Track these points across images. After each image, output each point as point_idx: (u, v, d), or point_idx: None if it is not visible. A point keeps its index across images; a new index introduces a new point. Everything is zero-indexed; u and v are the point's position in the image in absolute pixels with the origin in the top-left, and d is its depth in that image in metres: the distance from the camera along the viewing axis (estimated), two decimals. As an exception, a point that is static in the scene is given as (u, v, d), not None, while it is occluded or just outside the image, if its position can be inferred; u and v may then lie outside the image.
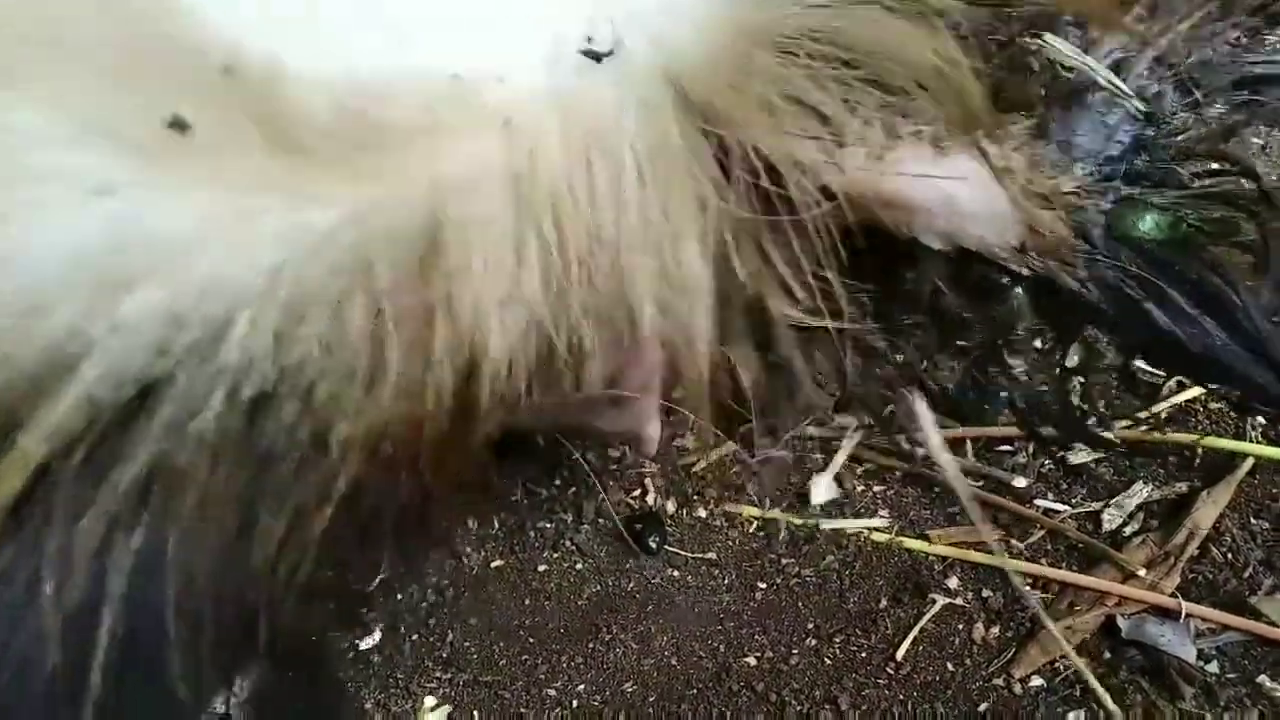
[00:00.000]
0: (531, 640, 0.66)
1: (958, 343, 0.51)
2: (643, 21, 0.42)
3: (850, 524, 0.71)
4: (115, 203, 0.31)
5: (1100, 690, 0.58)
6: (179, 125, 0.32)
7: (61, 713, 0.35)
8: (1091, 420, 0.60)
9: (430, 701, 0.62)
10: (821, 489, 0.75)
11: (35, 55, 0.31)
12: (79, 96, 0.31)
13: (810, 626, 0.65)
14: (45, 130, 0.31)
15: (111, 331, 0.32)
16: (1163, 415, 0.74)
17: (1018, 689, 0.60)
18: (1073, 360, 0.50)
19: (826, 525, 0.71)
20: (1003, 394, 0.52)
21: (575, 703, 0.62)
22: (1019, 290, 0.47)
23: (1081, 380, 0.52)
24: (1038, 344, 0.51)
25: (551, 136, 0.38)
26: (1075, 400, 0.53)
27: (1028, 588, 0.64)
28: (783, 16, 0.41)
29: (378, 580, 0.66)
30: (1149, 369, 0.75)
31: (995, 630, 0.63)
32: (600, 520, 0.75)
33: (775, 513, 0.74)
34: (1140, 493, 0.71)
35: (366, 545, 0.40)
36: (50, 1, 0.32)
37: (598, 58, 0.40)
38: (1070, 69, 0.45)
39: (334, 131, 0.34)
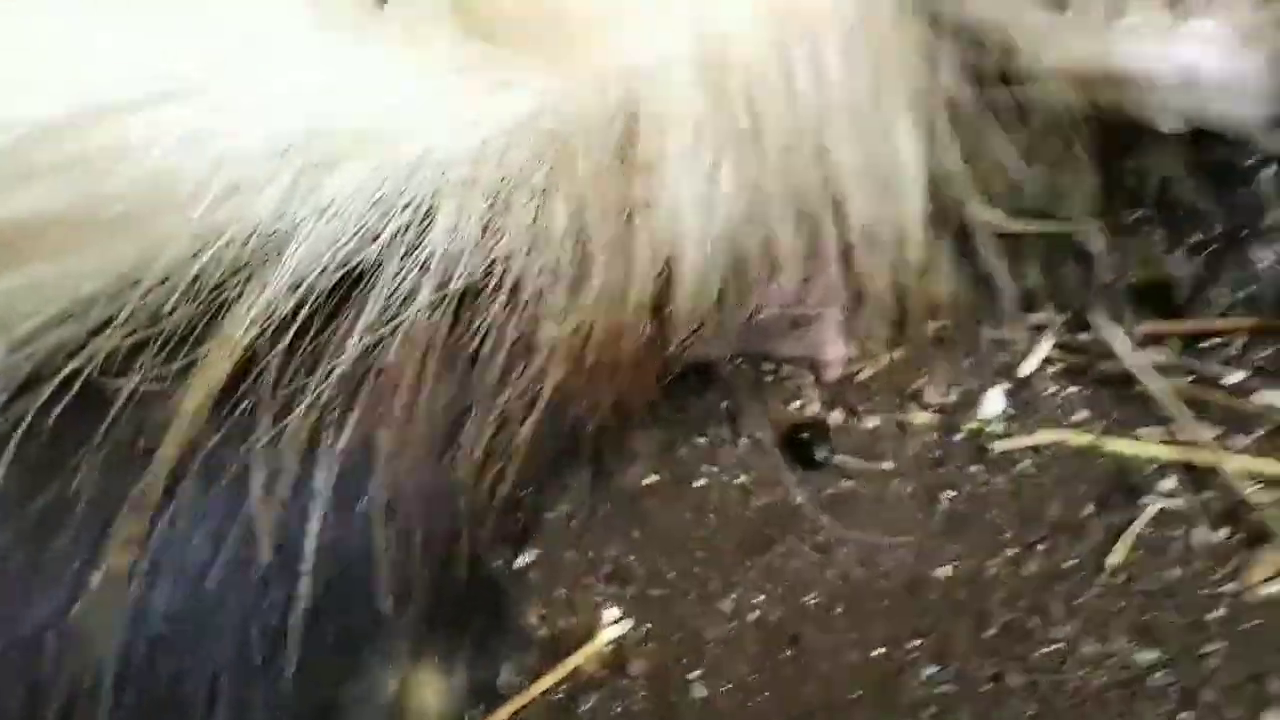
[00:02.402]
0: (700, 553, 0.67)
1: (1192, 238, 0.48)
2: None
3: (1046, 435, 0.69)
4: (313, 78, 0.31)
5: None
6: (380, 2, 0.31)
7: (272, 620, 0.37)
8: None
9: (610, 615, 0.63)
10: (997, 399, 0.73)
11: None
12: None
13: (1008, 536, 0.64)
14: (246, 3, 0.31)
15: (317, 213, 0.32)
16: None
17: (1252, 596, 0.57)
18: None
19: (1012, 441, 0.69)
20: (1243, 292, 0.49)
21: (754, 616, 0.62)
22: (1269, 170, 0.44)
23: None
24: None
25: (743, 15, 0.37)
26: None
27: (1253, 487, 0.61)
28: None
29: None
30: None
31: (1221, 534, 0.61)
32: (758, 434, 0.75)
33: (955, 419, 0.72)
34: (1376, 382, 0.67)
35: (566, 459, 0.41)
36: None
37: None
38: None
39: (526, 17, 0.34)
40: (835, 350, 0.63)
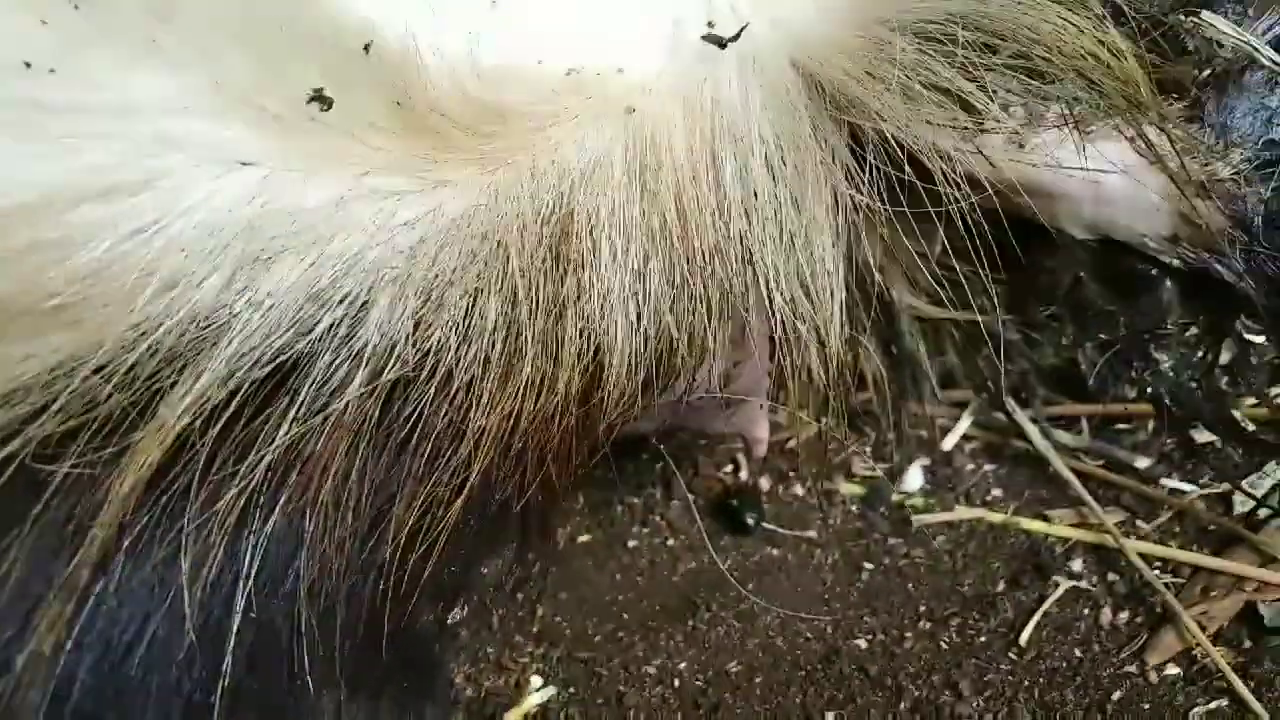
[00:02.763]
0: (626, 616, 0.68)
1: (1097, 336, 0.51)
2: (767, 4, 0.42)
3: (963, 511, 0.71)
4: (256, 175, 0.32)
5: (1238, 682, 0.57)
6: (321, 100, 0.32)
7: (195, 697, 0.37)
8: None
9: (537, 681, 0.64)
10: (917, 473, 0.75)
11: (180, 26, 0.32)
12: (221, 67, 0.32)
13: (923, 609, 0.65)
14: (188, 99, 0.31)
15: (253, 306, 0.33)
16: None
17: (1152, 677, 0.59)
18: (1225, 357, 0.49)
19: (932, 515, 0.70)
20: (1148, 389, 0.51)
21: (677, 682, 0.63)
22: (1169, 281, 0.46)
23: (1230, 377, 0.51)
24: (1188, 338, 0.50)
25: (676, 125, 0.39)
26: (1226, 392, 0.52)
27: (1156, 571, 0.63)
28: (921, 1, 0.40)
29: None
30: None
31: (1124, 615, 0.63)
32: (692, 496, 0.76)
33: (877, 491, 0.74)
34: (1274, 473, 0.70)
35: (492, 539, 0.41)
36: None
37: (721, 43, 0.40)
38: (1227, 47, 0.44)
39: (463, 117, 0.35)
40: (762, 430, 0.65)
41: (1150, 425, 0.76)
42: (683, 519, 0.74)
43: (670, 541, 0.73)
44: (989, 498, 0.72)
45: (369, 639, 0.40)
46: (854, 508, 0.73)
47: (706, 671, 0.63)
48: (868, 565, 0.69)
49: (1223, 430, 0.54)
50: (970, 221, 0.45)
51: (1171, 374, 0.50)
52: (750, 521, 0.72)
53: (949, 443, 0.76)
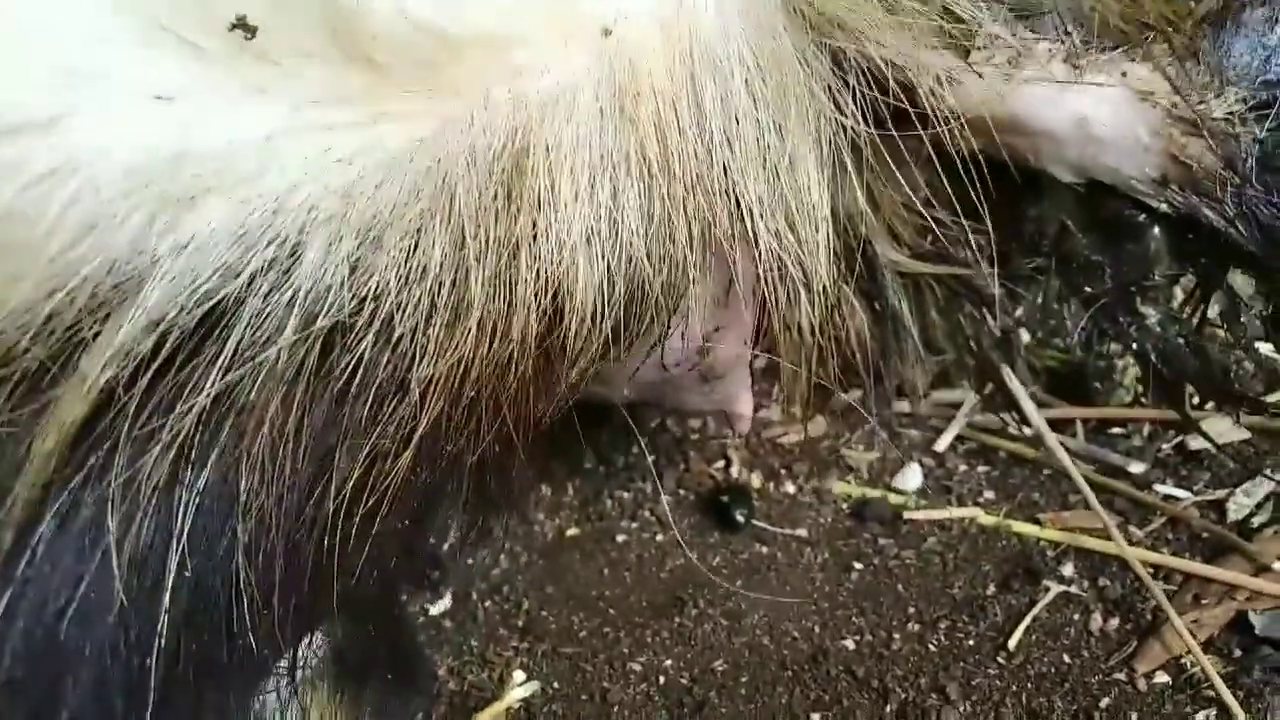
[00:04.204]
0: (612, 611, 0.63)
1: (1085, 289, 0.46)
2: None
3: (956, 513, 0.66)
4: (178, 109, 0.29)
5: (1225, 690, 0.52)
6: (244, 28, 0.29)
7: (130, 660, 0.33)
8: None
9: (519, 676, 0.60)
10: (915, 473, 0.71)
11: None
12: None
13: (912, 611, 0.60)
14: (103, 30, 0.28)
15: (176, 249, 0.29)
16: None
17: (1141, 685, 0.54)
18: (1214, 310, 0.44)
19: (924, 513, 0.66)
20: (1133, 344, 0.46)
21: (662, 679, 0.59)
22: (1157, 229, 0.42)
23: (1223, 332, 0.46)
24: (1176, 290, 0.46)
25: (654, 48, 0.35)
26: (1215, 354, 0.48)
27: (1151, 578, 0.59)
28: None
29: (448, 543, 0.63)
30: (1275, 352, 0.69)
31: (1114, 622, 0.58)
32: (681, 491, 0.72)
33: (870, 490, 0.69)
34: (1269, 481, 0.65)
35: (444, 495, 0.38)
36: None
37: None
38: None
39: (407, 43, 0.31)
40: (745, 405, 0.61)
41: (1145, 429, 0.72)
42: (672, 514, 0.70)
43: (659, 537, 0.69)
44: (981, 499, 0.68)
45: (324, 601, 0.36)
46: (845, 506, 0.69)
47: (692, 669, 0.59)
48: (857, 565, 0.64)
49: (1210, 390, 0.49)
50: (954, 159, 0.41)
51: (1159, 329, 0.46)
52: (740, 518, 0.68)
53: (942, 444, 0.71)
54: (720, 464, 0.73)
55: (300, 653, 0.41)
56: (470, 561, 0.66)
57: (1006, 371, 0.50)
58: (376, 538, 0.34)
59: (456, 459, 0.35)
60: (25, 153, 0.27)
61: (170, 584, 0.32)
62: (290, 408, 0.31)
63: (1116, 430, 0.72)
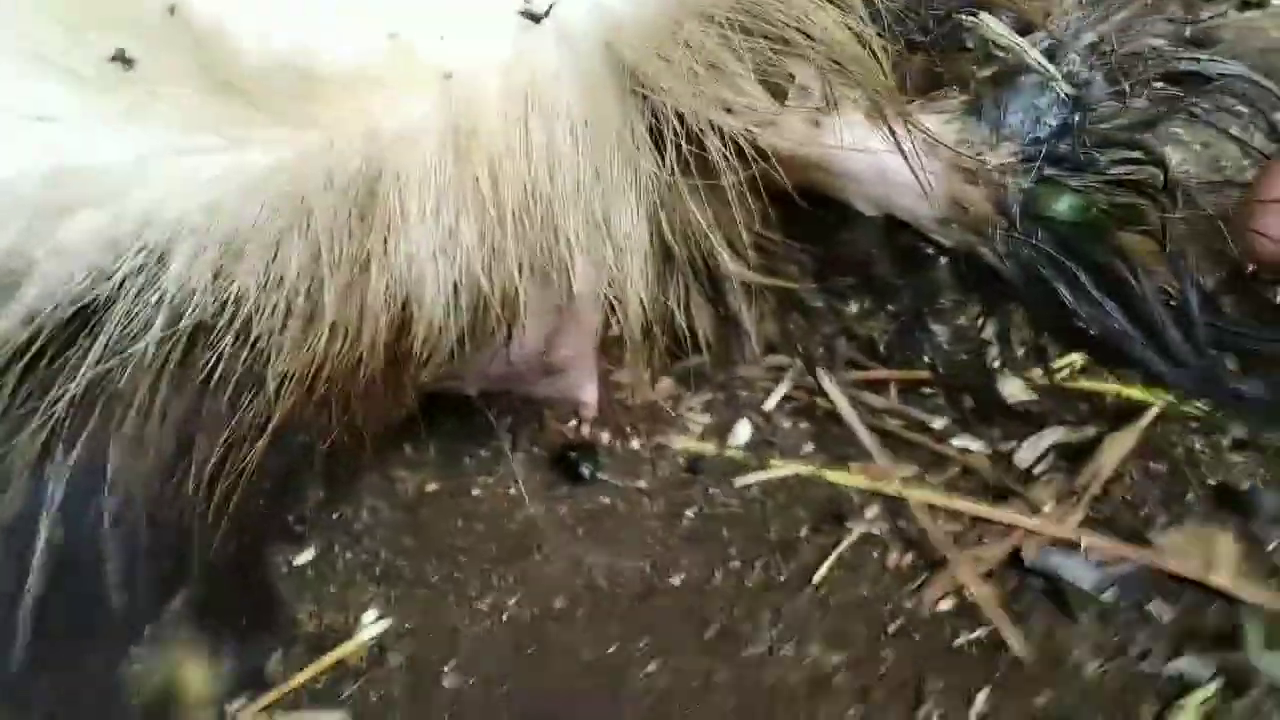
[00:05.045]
0: (464, 559, 0.69)
1: (887, 306, 0.54)
2: None
3: (778, 465, 0.75)
4: (55, 130, 0.33)
5: (998, 613, 0.63)
6: (122, 60, 0.33)
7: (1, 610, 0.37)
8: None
9: (371, 615, 0.65)
10: (745, 430, 0.78)
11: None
12: (21, 27, 0.32)
13: (734, 551, 0.69)
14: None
15: (51, 254, 0.33)
16: (1078, 365, 0.78)
17: (926, 612, 0.64)
18: (988, 332, 0.53)
19: (750, 477, 0.74)
20: (925, 357, 0.55)
21: (506, 615, 0.65)
22: (943, 260, 0.49)
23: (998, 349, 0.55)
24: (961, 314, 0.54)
25: (490, 92, 0.40)
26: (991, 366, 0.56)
27: (939, 520, 0.68)
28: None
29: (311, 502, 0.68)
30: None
31: (909, 558, 0.67)
32: (535, 449, 0.78)
33: (705, 446, 0.77)
34: (1051, 435, 0.76)
35: (296, 477, 0.43)
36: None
37: (536, 18, 0.41)
38: (1004, 49, 0.47)
39: (271, 78, 0.36)
40: (588, 394, 0.67)
41: (948, 390, 0.81)
42: (524, 468, 0.76)
43: (512, 490, 0.74)
44: (802, 452, 0.76)
45: (185, 566, 0.41)
46: (682, 461, 0.76)
47: (535, 606, 0.66)
48: (689, 513, 0.72)
49: (983, 399, 0.58)
50: (768, 195, 0.47)
51: (946, 346, 0.54)
52: (586, 473, 0.75)
53: (770, 403, 0.79)
54: (573, 424, 0.79)
55: (165, 612, 0.46)
56: (335, 516, 0.71)
57: (822, 374, 0.57)
58: (234, 513, 0.39)
59: (307, 448, 0.40)
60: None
61: (39, 547, 0.37)
62: (155, 396, 0.35)
63: (926, 390, 0.81)
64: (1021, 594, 0.65)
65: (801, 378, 0.80)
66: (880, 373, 0.80)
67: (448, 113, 0.40)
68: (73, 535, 0.36)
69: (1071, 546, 0.67)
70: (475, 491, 0.75)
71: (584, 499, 0.74)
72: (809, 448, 0.76)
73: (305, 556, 0.70)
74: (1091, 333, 0.46)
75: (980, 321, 0.53)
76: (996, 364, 0.59)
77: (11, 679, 0.39)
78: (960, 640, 0.62)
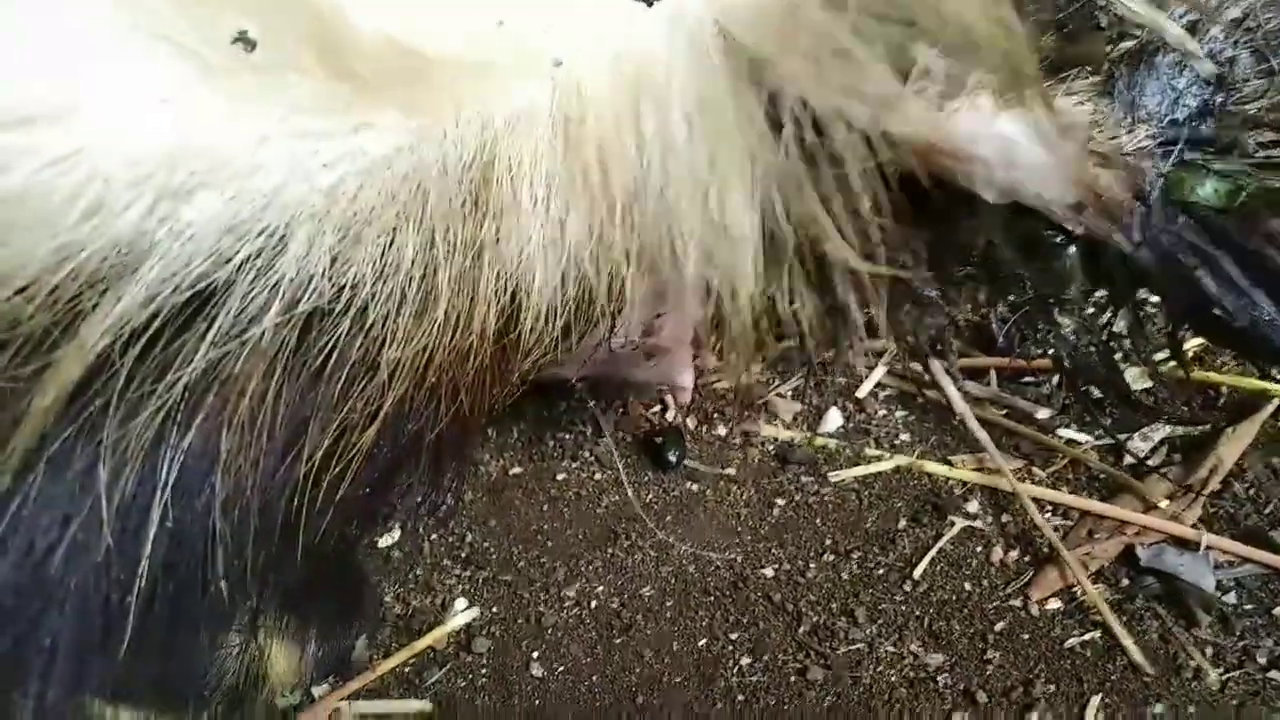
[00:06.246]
0: (550, 544, 0.70)
1: (1009, 296, 0.52)
2: None
3: (874, 456, 0.73)
4: (177, 111, 0.33)
5: (1111, 615, 0.61)
6: (245, 42, 0.33)
7: (111, 599, 0.38)
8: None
9: (461, 603, 0.66)
10: (836, 417, 0.77)
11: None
12: (145, 7, 0.32)
13: (828, 543, 0.68)
14: (112, 37, 0.32)
15: (173, 236, 0.33)
16: (1189, 354, 0.75)
17: (1034, 610, 0.63)
18: (1120, 325, 0.51)
19: (844, 473, 0.73)
20: (1049, 351, 0.53)
21: (594, 604, 0.65)
22: (1072, 249, 0.48)
23: (1129, 344, 0.53)
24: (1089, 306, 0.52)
25: (601, 80, 0.39)
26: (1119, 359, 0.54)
27: (1045, 514, 0.67)
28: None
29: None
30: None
31: (1014, 554, 0.66)
32: (620, 433, 0.78)
33: (795, 434, 0.76)
34: (1164, 428, 0.73)
35: (404, 466, 0.43)
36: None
37: (648, 1, 0.40)
38: (1140, 27, 0.45)
39: (386, 62, 0.35)
40: (686, 378, 0.67)
41: (1054, 380, 0.79)
42: (609, 454, 0.76)
43: (597, 475, 0.75)
44: (897, 442, 0.75)
45: (291, 553, 0.41)
46: (771, 448, 0.75)
47: (622, 595, 0.66)
48: (779, 502, 0.71)
49: (1113, 393, 0.56)
50: (890, 181, 0.46)
51: (1072, 338, 0.52)
52: (673, 459, 0.74)
53: (864, 390, 0.78)
54: (656, 408, 0.79)
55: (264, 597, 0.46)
56: (419, 499, 0.72)
57: (936, 366, 0.56)
58: (341, 500, 0.39)
59: (416, 436, 0.40)
60: (38, 141, 0.31)
61: (152, 533, 0.37)
62: (270, 381, 0.36)
63: (1028, 380, 0.79)
64: (1135, 594, 0.63)
65: (895, 363, 0.79)
66: (980, 360, 0.79)
67: (557, 101, 0.39)
68: (183, 520, 0.37)
69: (1189, 545, 0.65)
70: (560, 476, 0.75)
71: (671, 485, 0.73)
72: (904, 437, 0.75)
73: (390, 539, 0.71)
74: (1236, 324, 0.44)
75: (1110, 313, 0.51)
76: (1123, 356, 0.57)
77: (114, 663, 0.40)
78: (1070, 642, 0.61)
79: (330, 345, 0.36)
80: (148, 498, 0.36)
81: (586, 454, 0.77)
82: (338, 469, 0.38)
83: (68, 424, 0.34)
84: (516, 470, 0.76)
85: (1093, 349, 0.51)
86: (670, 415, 0.79)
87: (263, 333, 0.35)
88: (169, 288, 0.33)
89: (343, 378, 0.36)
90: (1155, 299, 0.55)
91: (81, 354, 0.33)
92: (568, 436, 0.78)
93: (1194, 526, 0.66)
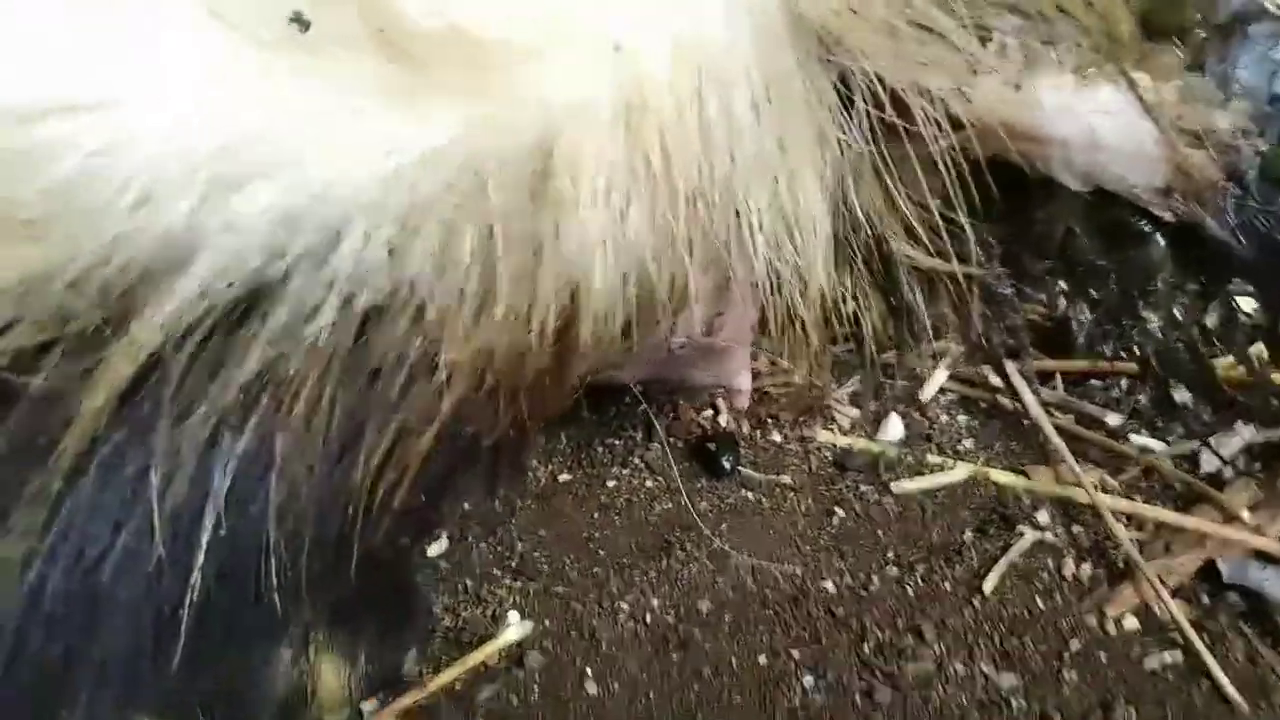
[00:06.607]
0: (602, 553, 0.68)
1: (1090, 292, 0.50)
2: None
3: (938, 464, 0.71)
4: (229, 94, 0.31)
5: (1193, 635, 0.58)
6: (300, 22, 0.31)
7: (163, 610, 0.37)
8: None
9: (514, 616, 0.64)
10: (897, 423, 0.75)
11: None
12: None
13: (891, 555, 0.65)
14: (162, 17, 0.31)
15: (225, 228, 0.32)
16: (1265, 357, 0.72)
17: (1111, 628, 0.60)
18: (1212, 319, 0.48)
19: (907, 485, 0.71)
20: (1134, 348, 0.50)
21: (649, 617, 0.63)
22: (1160, 237, 0.45)
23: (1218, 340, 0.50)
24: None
25: (662, 64, 0.38)
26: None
27: (1121, 526, 0.64)
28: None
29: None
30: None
31: (1087, 568, 0.64)
32: (671, 439, 0.76)
33: (854, 440, 0.74)
34: (1242, 432, 0.70)
35: (460, 472, 0.41)
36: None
37: (711, -22, 0.38)
38: None
39: (444, 45, 0.34)
40: (744, 380, 0.65)
41: (1123, 382, 0.76)
42: (661, 460, 0.74)
43: (649, 482, 0.73)
44: (960, 448, 0.72)
45: (345, 563, 0.40)
46: (829, 455, 0.73)
47: (678, 609, 0.64)
48: (839, 511, 0.69)
49: (1205, 395, 0.54)
50: (962, 168, 0.44)
51: (1159, 334, 0.50)
52: (727, 465, 0.72)
53: (926, 394, 0.76)
54: (709, 413, 0.77)
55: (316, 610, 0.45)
56: (466, 506, 0.70)
57: (1010, 368, 0.53)
58: (396, 508, 0.38)
59: (474, 441, 0.39)
60: (85, 129, 0.30)
61: (204, 541, 0.36)
62: (326, 382, 0.34)
63: (1095, 383, 0.76)
64: (1218, 612, 0.60)
65: (958, 366, 0.76)
66: (1047, 362, 0.76)
67: (618, 86, 0.38)
68: (236, 528, 0.35)
69: (1274, 559, 0.62)
70: (610, 483, 0.73)
71: (725, 493, 0.71)
72: (967, 443, 0.73)
73: (439, 548, 0.69)
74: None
75: (1193, 309, 0.48)
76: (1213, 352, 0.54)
77: (166, 677, 0.38)
78: (1150, 663, 0.58)
79: (387, 345, 0.35)
80: (200, 504, 0.35)
81: (637, 460, 0.75)
82: (394, 475, 0.37)
83: (119, 426, 0.33)
84: (565, 476, 0.74)
85: (1181, 345, 0.48)
86: (723, 420, 0.77)
87: (318, 331, 0.33)
88: (222, 282, 0.32)
89: (401, 379, 0.35)
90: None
91: (133, 352, 0.32)
92: (617, 442, 0.76)
93: (1278, 539, 0.63)
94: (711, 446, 0.73)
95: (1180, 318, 0.48)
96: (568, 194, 0.37)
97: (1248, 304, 0.51)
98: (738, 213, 0.41)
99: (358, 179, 0.32)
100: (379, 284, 0.33)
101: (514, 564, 0.68)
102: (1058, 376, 0.76)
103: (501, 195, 0.35)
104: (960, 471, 0.70)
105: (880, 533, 0.67)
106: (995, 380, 0.73)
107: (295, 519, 0.36)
